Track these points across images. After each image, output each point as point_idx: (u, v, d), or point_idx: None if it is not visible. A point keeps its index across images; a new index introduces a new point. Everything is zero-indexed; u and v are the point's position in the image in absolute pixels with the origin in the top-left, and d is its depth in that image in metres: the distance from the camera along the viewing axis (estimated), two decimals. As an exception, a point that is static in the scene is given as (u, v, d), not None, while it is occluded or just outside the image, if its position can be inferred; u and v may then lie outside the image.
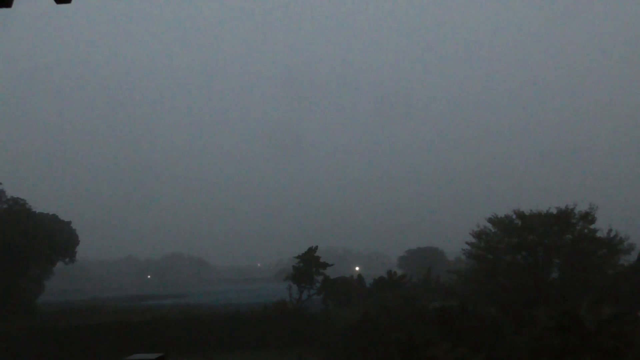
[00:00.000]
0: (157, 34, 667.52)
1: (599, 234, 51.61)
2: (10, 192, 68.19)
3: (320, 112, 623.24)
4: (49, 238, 67.54)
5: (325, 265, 65.04)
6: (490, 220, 55.15)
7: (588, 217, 51.33)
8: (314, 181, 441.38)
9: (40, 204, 73.50)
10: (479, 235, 55.31)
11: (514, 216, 53.90)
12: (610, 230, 51.44)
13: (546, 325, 29.09)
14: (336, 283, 64.80)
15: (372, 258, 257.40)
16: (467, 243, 57.02)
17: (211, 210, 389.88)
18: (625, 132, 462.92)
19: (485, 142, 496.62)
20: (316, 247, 65.85)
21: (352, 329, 44.65)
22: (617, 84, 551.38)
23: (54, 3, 6.10)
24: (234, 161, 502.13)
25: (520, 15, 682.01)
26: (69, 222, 74.44)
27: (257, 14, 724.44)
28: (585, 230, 51.81)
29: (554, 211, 52.37)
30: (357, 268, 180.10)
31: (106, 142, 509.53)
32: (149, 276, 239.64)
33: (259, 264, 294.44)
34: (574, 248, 50.74)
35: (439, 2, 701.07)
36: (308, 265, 64.03)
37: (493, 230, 54.90)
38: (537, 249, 51.82)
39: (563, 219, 51.84)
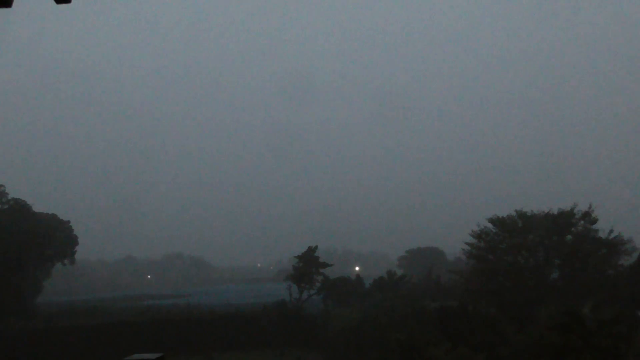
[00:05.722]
0: (157, 34, 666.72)
1: (599, 235, 51.56)
2: (11, 193, 68.29)
3: (321, 112, 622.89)
4: (49, 238, 67.42)
5: (325, 265, 65.10)
6: (491, 220, 55.13)
7: (589, 217, 51.28)
8: (314, 181, 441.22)
9: (40, 204, 73.21)
10: (480, 235, 55.27)
11: (516, 216, 53.91)
12: (611, 231, 51.38)
13: (547, 325, 29.10)
14: (336, 283, 64.83)
15: (372, 258, 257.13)
16: (467, 243, 56.97)
17: (211, 210, 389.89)
18: (627, 132, 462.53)
19: (486, 142, 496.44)
20: (316, 247, 65.86)
21: (352, 329, 44.62)
22: (618, 84, 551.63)
23: (54, 3, 6.08)
24: (233, 161, 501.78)
25: (520, 16, 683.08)
26: (68, 222, 74.27)
27: (256, 14, 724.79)
28: (586, 231, 51.79)
29: (555, 212, 52.41)
30: (357, 268, 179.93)
31: (106, 142, 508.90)
32: (149, 276, 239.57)
33: (259, 264, 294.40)
34: (575, 248, 50.71)
35: (440, 3, 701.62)
36: (308, 265, 64.07)
37: (494, 231, 54.87)
38: (537, 249, 51.83)
39: (564, 219, 51.84)
